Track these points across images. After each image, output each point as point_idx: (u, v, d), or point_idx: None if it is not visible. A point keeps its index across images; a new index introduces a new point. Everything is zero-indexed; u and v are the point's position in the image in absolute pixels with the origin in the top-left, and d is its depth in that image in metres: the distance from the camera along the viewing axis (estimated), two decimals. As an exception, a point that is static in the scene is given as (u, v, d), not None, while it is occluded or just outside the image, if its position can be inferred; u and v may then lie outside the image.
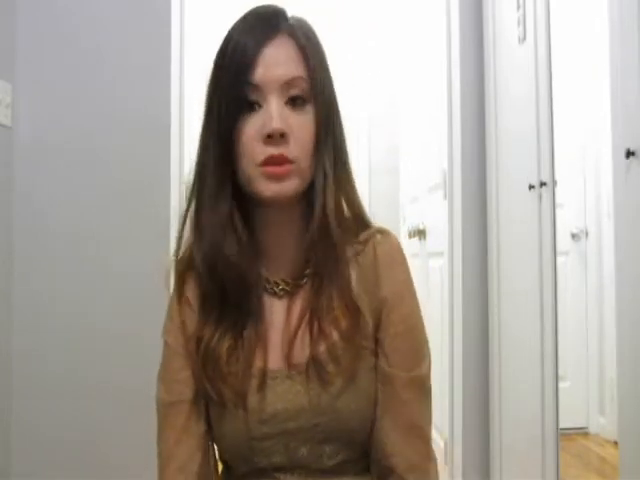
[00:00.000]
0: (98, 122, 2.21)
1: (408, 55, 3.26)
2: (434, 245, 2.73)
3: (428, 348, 0.92)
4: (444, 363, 2.42)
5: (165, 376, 0.92)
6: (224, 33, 0.89)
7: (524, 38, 2.00)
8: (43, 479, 2.09)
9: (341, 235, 0.88)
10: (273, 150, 0.82)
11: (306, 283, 0.91)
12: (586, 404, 3.01)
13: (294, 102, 0.85)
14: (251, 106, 0.84)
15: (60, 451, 2.12)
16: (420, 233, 2.90)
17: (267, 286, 0.92)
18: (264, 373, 0.88)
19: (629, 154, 1.34)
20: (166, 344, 0.93)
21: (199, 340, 0.88)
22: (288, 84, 0.84)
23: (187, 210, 0.90)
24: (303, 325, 0.89)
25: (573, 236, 3.08)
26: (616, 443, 1.56)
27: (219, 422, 0.90)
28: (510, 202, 2.16)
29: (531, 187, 1.91)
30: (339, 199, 0.89)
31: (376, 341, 0.90)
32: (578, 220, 3.07)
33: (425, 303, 2.86)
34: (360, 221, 0.94)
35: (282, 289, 0.92)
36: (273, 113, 0.82)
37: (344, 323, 0.87)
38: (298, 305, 0.90)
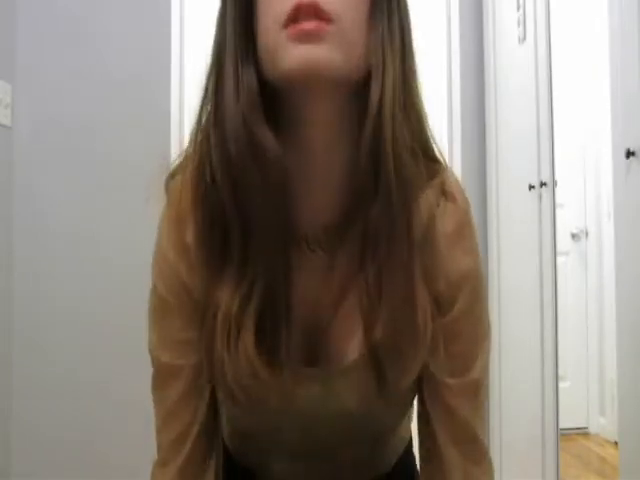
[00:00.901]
0: (98, 122, 2.21)
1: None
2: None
3: (488, 343, 0.72)
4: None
5: (162, 334, 0.70)
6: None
7: (524, 38, 2.00)
8: (43, 479, 2.09)
9: (407, 169, 0.61)
10: None
11: (354, 239, 0.64)
12: (586, 404, 3.01)
13: None
14: None
15: (60, 451, 2.12)
16: (420, 233, 2.90)
17: (302, 242, 0.66)
18: (295, 373, 0.67)
19: (629, 154, 1.34)
20: (156, 291, 0.69)
21: (207, 308, 0.64)
22: None
23: (201, 110, 0.63)
24: (348, 308, 0.66)
25: (573, 236, 3.08)
26: (616, 443, 1.56)
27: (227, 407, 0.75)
28: (510, 202, 2.16)
29: (531, 187, 1.91)
30: (405, 122, 0.61)
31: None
32: (578, 220, 3.08)
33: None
34: (429, 162, 0.68)
35: (319, 244, 0.67)
36: None
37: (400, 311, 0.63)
38: (340, 276, 0.67)
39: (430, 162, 0.67)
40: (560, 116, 2.00)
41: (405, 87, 0.61)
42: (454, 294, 0.67)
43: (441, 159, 0.70)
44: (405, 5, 0.64)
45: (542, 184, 1.85)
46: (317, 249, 0.66)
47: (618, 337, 1.46)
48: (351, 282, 0.66)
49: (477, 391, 0.70)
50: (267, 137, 0.58)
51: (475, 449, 0.71)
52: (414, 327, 0.63)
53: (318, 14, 0.55)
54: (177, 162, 0.69)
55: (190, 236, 0.65)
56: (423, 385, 0.71)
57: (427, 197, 0.65)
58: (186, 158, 0.67)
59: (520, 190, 1.99)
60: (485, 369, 0.71)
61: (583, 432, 2.99)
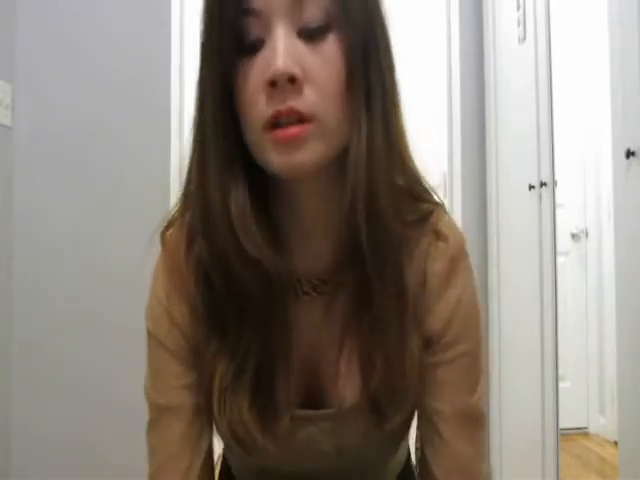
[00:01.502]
0: (98, 123, 2.21)
1: (408, 55, 3.26)
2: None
3: (483, 379, 0.72)
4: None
5: (157, 380, 0.70)
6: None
7: (524, 38, 2.00)
8: (43, 479, 2.09)
9: (394, 219, 0.62)
10: (280, 104, 0.57)
11: (347, 288, 0.66)
12: (586, 404, 3.01)
13: (311, 33, 0.59)
14: (254, 47, 0.59)
15: (60, 451, 2.11)
16: (420, 233, 2.90)
17: (297, 287, 0.68)
18: (295, 417, 0.67)
19: (629, 154, 1.34)
20: (150, 336, 0.70)
21: (204, 364, 0.66)
22: (300, 3, 0.58)
23: (186, 187, 0.65)
24: (347, 351, 0.67)
25: (573, 236, 3.08)
26: (616, 443, 1.56)
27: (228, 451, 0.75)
28: (510, 202, 2.16)
29: (531, 187, 1.91)
30: (389, 167, 0.62)
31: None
32: (578, 220, 3.08)
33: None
34: (416, 198, 0.69)
35: (316, 290, 0.69)
36: (278, 47, 0.57)
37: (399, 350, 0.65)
38: (338, 317, 0.67)
39: (423, 203, 0.69)
40: (560, 116, 1.99)
41: (386, 138, 0.62)
42: (444, 329, 0.68)
43: (435, 197, 0.71)
44: (386, 52, 0.65)
45: (542, 184, 1.85)
46: (312, 293, 0.68)
47: (618, 337, 1.46)
48: (347, 328, 0.67)
49: (473, 423, 0.70)
50: (250, 237, 0.60)
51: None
52: (405, 372, 0.65)
53: (298, 117, 0.57)
54: (174, 211, 0.70)
55: (186, 285, 0.66)
56: (419, 418, 0.72)
57: (421, 244, 0.67)
58: (181, 209, 0.68)
59: (520, 190, 1.99)
60: (481, 401, 0.70)
61: (583, 432, 2.99)
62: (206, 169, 0.62)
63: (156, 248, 0.71)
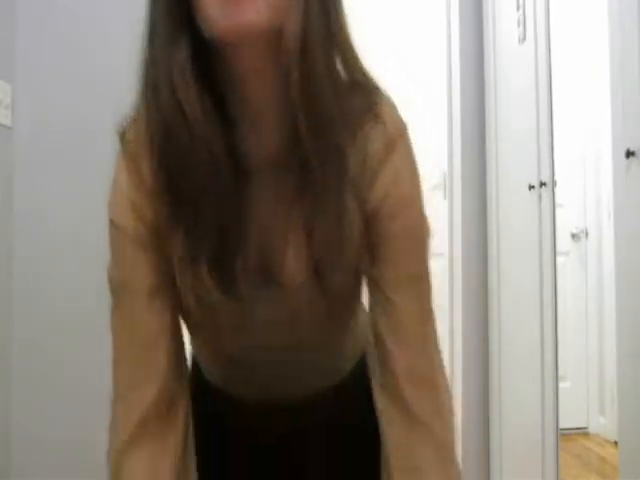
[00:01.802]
0: (98, 122, 2.20)
1: (408, 55, 3.26)
2: (434, 246, 2.72)
3: (427, 252, 0.79)
4: (444, 363, 2.42)
5: (121, 264, 0.73)
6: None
7: (524, 38, 2.00)
8: (43, 479, 2.09)
9: (336, 104, 0.66)
10: None
11: (292, 164, 0.68)
12: (586, 404, 3.01)
13: None
14: None
15: (60, 451, 2.11)
16: (420, 233, 2.90)
17: (244, 164, 0.70)
18: (248, 285, 0.71)
19: (629, 154, 1.34)
20: (113, 225, 0.72)
21: (164, 243, 0.69)
22: None
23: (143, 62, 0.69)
24: (294, 227, 0.70)
25: (573, 236, 3.08)
26: (616, 443, 1.56)
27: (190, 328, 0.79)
28: (510, 202, 2.16)
29: (531, 187, 1.91)
30: (327, 53, 0.65)
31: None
32: (578, 220, 3.08)
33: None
34: (362, 89, 0.72)
35: (264, 171, 0.71)
36: None
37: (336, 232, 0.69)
38: (286, 197, 0.70)
39: (366, 91, 0.72)
40: (560, 116, 2.00)
41: (323, 23, 0.64)
42: (382, 202, 0.72)
43: (379, 87, 0.74)
44: None
45: (542, 184, 1.85)
46: (261, 174, 0.71)
47: (618, 337, 1.46)
48: (294, 207, 0.70)
49: (419, 283, 0.76)
50: (196, 109, 0.63)
51: (422, 343, 0.75)
52: (344, 243, 0.69)
53: None
54: (131, 115, 0.75)
55: (146, 171, 0.69)
56: (369, 293, 0.77)
57: (364, 128, 0.71)
58: (138, 111, 0.73)
59: (520, 190, 1.99)
60: (425, 265, 0.78)
61: (583, 432, 2.99)
62: (154, 38, 0.67)
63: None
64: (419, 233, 0.77)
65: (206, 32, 0.62)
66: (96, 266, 2.35)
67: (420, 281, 0.77)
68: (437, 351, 0.77)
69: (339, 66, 0.68)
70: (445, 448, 0.73)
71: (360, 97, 0.71)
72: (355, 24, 0.77)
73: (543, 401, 1.84)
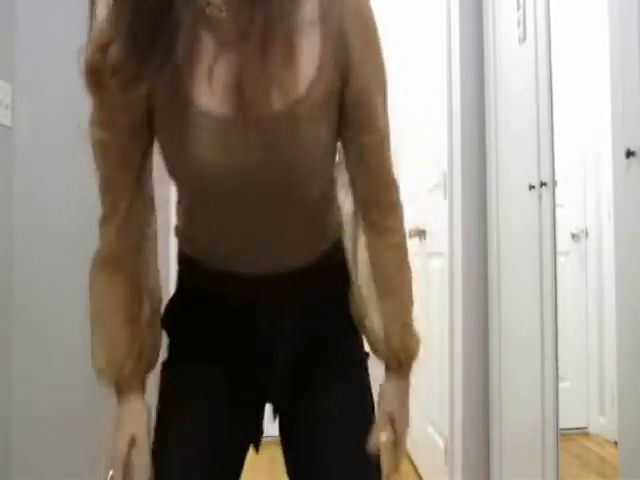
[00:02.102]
0: (98, 122, 2.21)
1: (408, 55, 3.26)
2: (434, 245, 2.73)
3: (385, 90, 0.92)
4: (444, 363, 2.42)
5: (100, 114, 0.85)
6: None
7: (524, 38, 2.00)
8: (43, 479, 2.10)
9: None
10: None
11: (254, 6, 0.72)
12: (586, 404, 3.01)
13: None
14: None
15: (60, 451, 2.12)
16: (420, 233, 2.90)
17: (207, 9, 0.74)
18: (211, 119, 0.77)
19: (629, 154, 1.34)
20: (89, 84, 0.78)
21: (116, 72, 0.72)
22: None
23: None
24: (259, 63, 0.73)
25: (573, 236, 3.07)
26: (616, 443, 1.56)
27: (167, 146, 0.87)
28: (510, 202, 2.16)
29: (531, 187, 1.91)
30: None
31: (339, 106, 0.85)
32: (578, 220, 3.07)
33: (425, 303, 2.87)
34: None
35: (223, 12, 0.74)
36: None
37: (310, 70, 0.77)
38: (252, 38, 0.73)
39: None
40: (560, 116, 1.99)
41: None
42: (347, 34, 0.80)
43: None
44: None
45: (542, 184, 1.85)
46: (222, 15, 0.74)
47: (618, 337, 1.46)
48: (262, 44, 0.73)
49: (383, 142, 0.94)
50: None
51: (384, 177, 0.96)
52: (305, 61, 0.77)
53: None
54: None
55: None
56: (346, 153, 0.92)
57: None
58: None
59: (520, 190, 1.99)
60: (386, 112, 0.93)
61: (583, 432, 2.99)
62: None
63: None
64: (384, 77, 0.90)
65: None
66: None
67: (385, 125, 0.94)
68: (394, 181, 0.99)
69: None
70: (402, 250, 0.99)
71: None
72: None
73: (543, 401, 1.84)
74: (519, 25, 2.03)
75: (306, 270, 0.95)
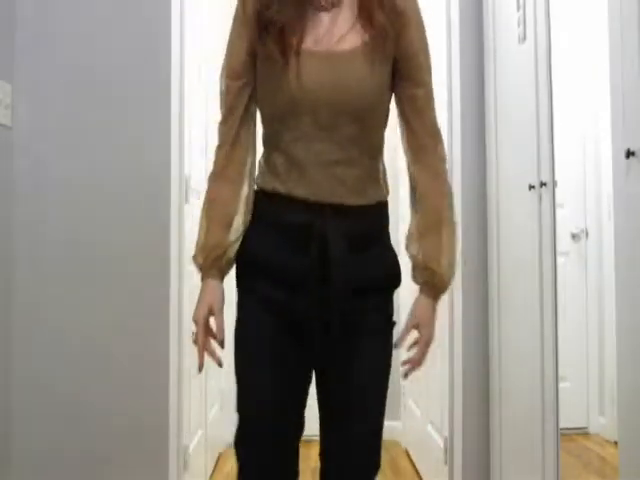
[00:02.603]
0: (97, 122, 2.21)
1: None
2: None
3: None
4: (444, 363, 2.42)
5: (228, 62, 1.18)
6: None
7: (524, 38, 2.00)
8: (43, 478, 2.10)
9: None
10: None
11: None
12: (586, 404, 3.01)
13: None
14: None
15: (60, 451, 2.12)
16: (420, 233, 2.89)
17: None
18: (311, 54, 1.11)
19: (629, 154, 1.34)
20: (236, 16, 1.17)
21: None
22: None
23: None
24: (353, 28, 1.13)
25: (573, 236, 3.07)
26: (616, 443, 1.56)
27: (266, 82, 1.15)
28: (510, 202, 2.16)
29: (531, 187, 1.91)
30: None
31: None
32: (578, 220, 3.07)
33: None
34: None
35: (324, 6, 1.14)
36: None
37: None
38: (343, 20, 1.14)
39: None
40: (560, 116, 1.99)
41: None
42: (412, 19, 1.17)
43: None
44: None
45: (542, 184, 1.85)
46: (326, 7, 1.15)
47: (618, 337, 1.46)
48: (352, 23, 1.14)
49: (430, 95, 1.22)
50: None
51: (433, 123, 1.22)
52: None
53: None
54: None
55: None
56: (401, 108, 1.22)
57: None
58: None
59: (520, 190, 1.99)
60: (430, 78, 1.22)
61: (583, 432, 2.99)
62: None
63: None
64: (426, 39, 1.21)
65: None
66: (96, 266, 2.36)
67: (430, 80, 1.22)
68: (439, 131, 1.24)
69: None
70: (441, 177, 1.23)
71: None
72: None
73: (543, 401, 1.84)
74: (519, 25, 2.03)
75: (356, 210, 1.14)
